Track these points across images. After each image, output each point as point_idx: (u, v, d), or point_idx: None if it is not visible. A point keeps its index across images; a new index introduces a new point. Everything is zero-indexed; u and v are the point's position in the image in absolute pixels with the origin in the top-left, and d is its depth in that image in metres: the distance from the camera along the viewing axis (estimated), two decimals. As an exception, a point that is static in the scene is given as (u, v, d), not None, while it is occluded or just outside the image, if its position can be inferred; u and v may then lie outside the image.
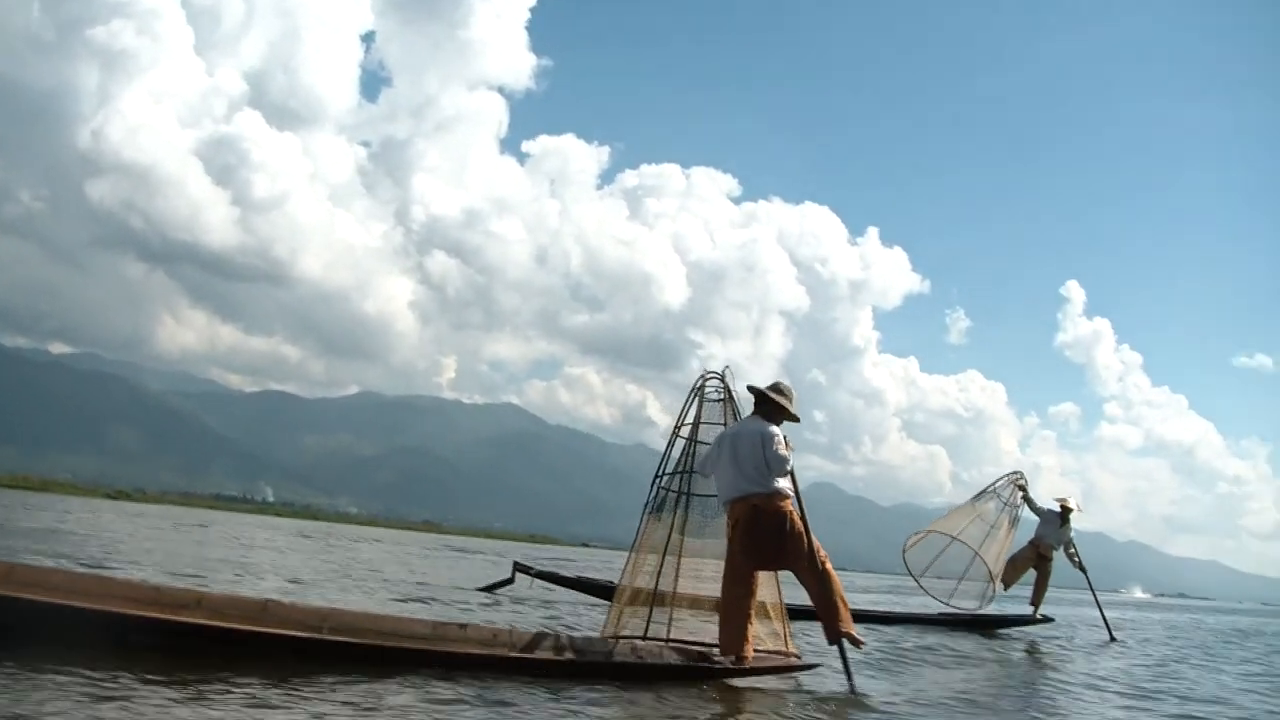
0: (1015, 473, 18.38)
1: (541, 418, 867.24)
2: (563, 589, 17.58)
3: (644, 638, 8.98)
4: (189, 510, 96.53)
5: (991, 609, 17.85)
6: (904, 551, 18.12)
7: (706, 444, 9.23)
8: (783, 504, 8.38)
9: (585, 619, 13.10)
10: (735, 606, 8.37)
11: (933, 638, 14.55)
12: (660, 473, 9.47)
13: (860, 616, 15.28)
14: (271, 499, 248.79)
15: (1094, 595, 18.93)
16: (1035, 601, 18.06)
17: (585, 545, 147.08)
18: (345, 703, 6.01)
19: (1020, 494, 17.97)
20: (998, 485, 18.16)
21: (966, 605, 17.87)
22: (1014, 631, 17.48)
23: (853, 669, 8.36)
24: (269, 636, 6.91)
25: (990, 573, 17.25)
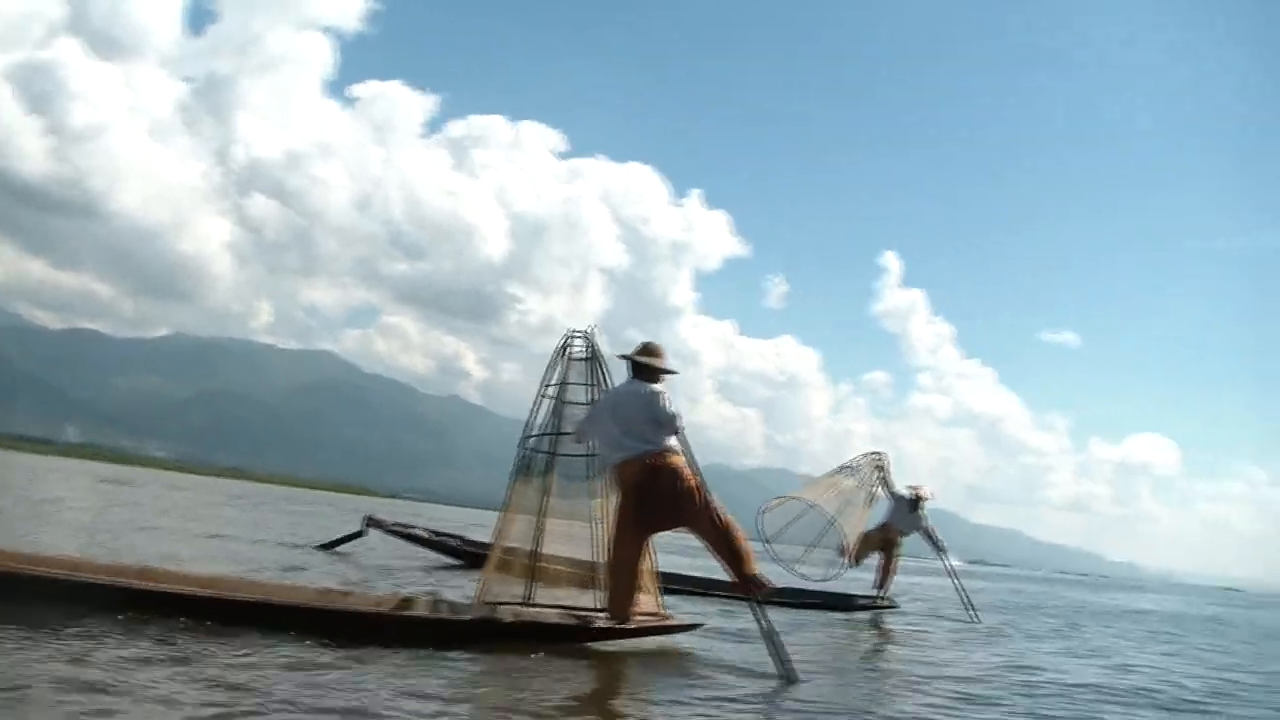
0: (876, 453, 18.06)
1: (357, 366, 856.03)
2: (416, 547, 17.41)
3: (525, 603, 8.76)
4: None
5: (835, 587, 17.54)
6: (761, 514, 17.37)
7: (576, 404, 9.12)
8: (675, 460, 8.14)
9: (444, 580, 13.16)
10: (624, 569, 8.19)
11: (780, 615, 13.75)
12: (527, 434, 9.20)
13: (713, 585, 15.29)
14: (76, 440, 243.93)
15: (954, 576, 18.44)
16: (881, 584, 17.92)
17: (395, 497, 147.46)
18: (228, 665, 5.75)
19: (879, 474, 17.66)
20: (857, 462, 17.87)
21: (813, 574, 17.59)
22: (863, 615, 16.97)
23: (783, 654, 7.79)
24: (164, 595, 6.82)
25: (845, 544, 16.90)
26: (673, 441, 8.19)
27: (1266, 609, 50.11)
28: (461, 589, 11.73)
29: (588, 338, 9.19)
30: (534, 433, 9.18)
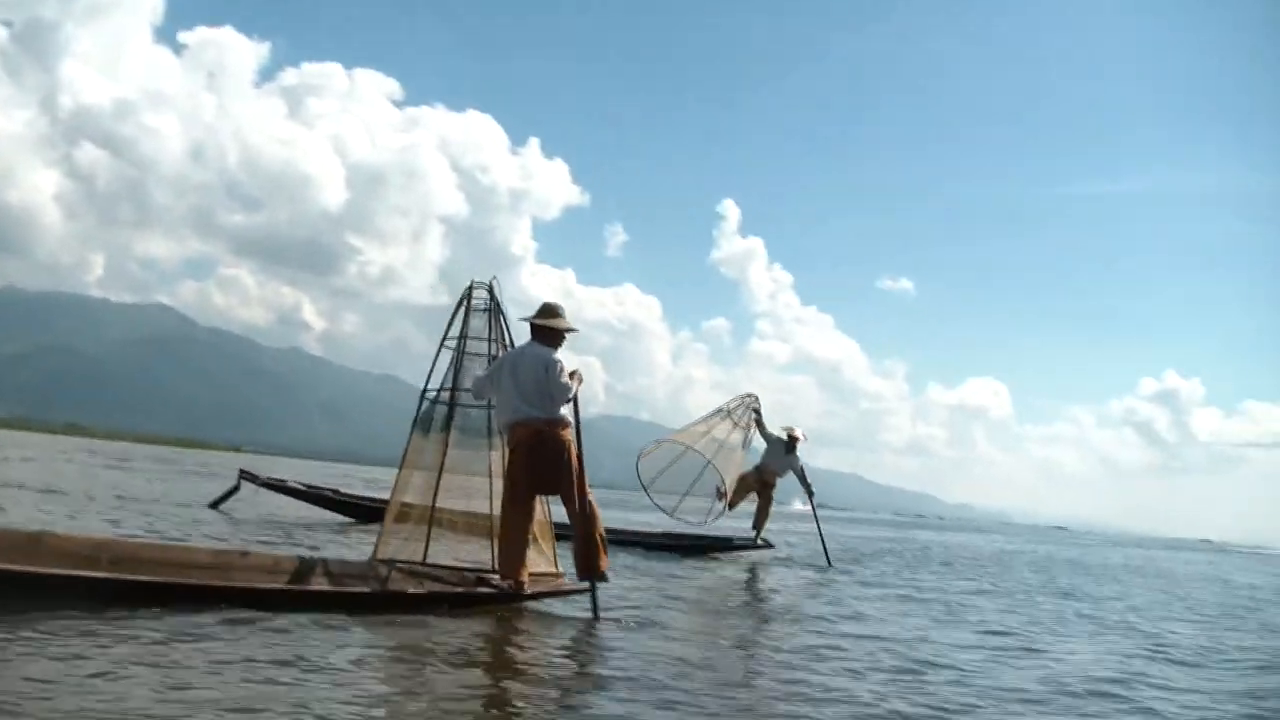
0: (749, 395, 18.24)
1: (193, 319, 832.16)
2: (290, 499, 17.48)
3: (422, 563, 8.79)
4: None
5: (713, 529, 18.09)
6: (639, 459, 17.79)
7: (477, 355, 9.15)
8: (564, 432, 8.36)
9: (322, 532, 13.33)
10: (515, 530, 8.33)
11: (660, 562, 14.77)
12: (426, 386, 9.13)
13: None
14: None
15: (816, 521, 18.57)
16: (757, 526, 18.16)
17: (238, 450, 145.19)
18: (130, 637, 5.61)
19: (754, 416, 17.85)
20: (731, 405, 18.00)
21: (692, 519, 18.00)
22: (738, 556, 17.59)
23: (599, 600, 8.18)
24: (51, 578, 6.36)
25: (721, 487, 17.26)
26: (565, 411, 8.38)
27: (1094, 547, 52.58)
28: (341, 542, 12.01)
29: (490, 290, 9.16)
30: (433, 386, 9.11)
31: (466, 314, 9.22)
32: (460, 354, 9.20)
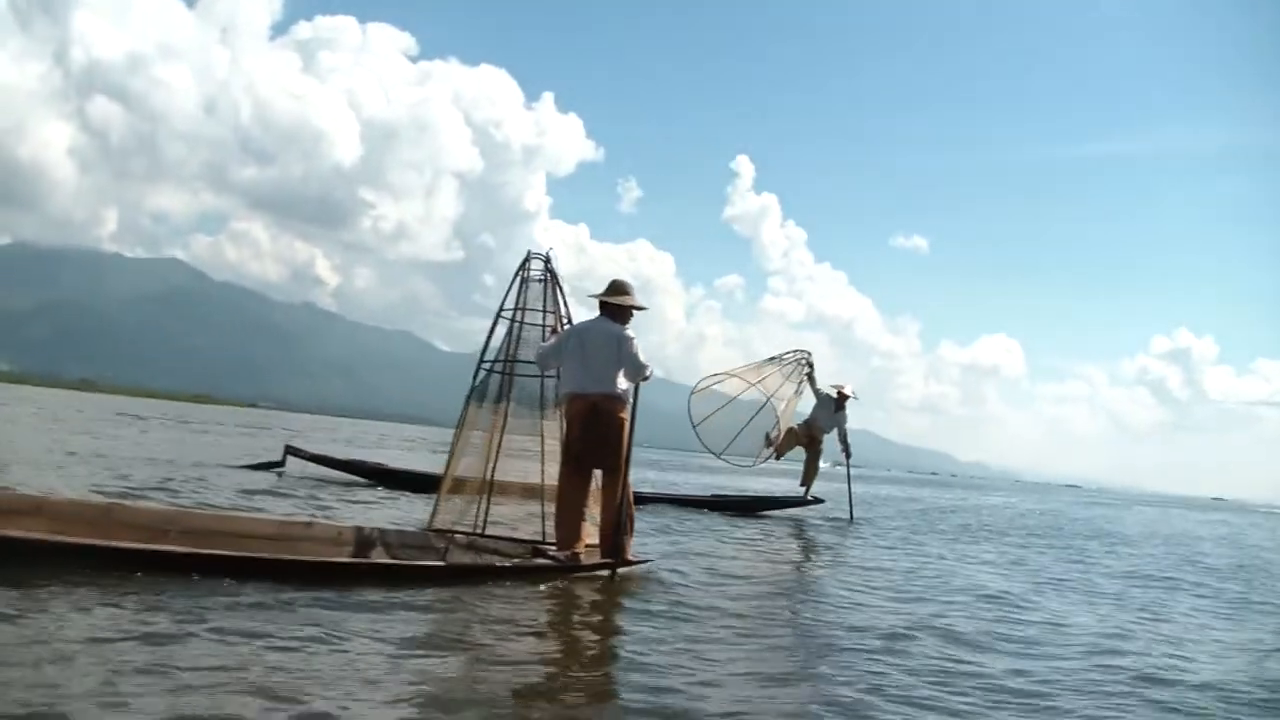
0: (802, 351, 18.22)
1: (206, 274, 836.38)
2: (336, 471, 17.24)
3: (479, 533, 8.88)
4: None
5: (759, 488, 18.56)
6: (691, 396, 17.96)
7: (533, 326, 9.16)
8: (620, 411, 8.43)
9: (369, 504, 13.19)
10: (571, 501, 8.41)
11: (705, 519, 14.94)
12: (484, 357, 9.15)
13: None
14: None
15: (848, 480, 18.79)
16: (806, 483, 18.31)
17: (252, 405, 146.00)
18: (189, 611, 5.58)
19: (808, 370, 17.93)
20: (784, 356, 18.10)
21: (743, 463, 18.40)
22: (784, 513, 17.89)
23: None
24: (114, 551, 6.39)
25: (773, 433, 17.58)
26: (625, 388, 8.43)
27: (1109, 507, 52.56)
28: (384, 511, 12.11)
29: (546, 260, 9.19)
30: (491, 356, 9.14)
31: (524, 284, 9.21)
32: (518, 324, 9.19)
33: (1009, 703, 5.39)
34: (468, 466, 8.97)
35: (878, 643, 6.60)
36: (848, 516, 17.99)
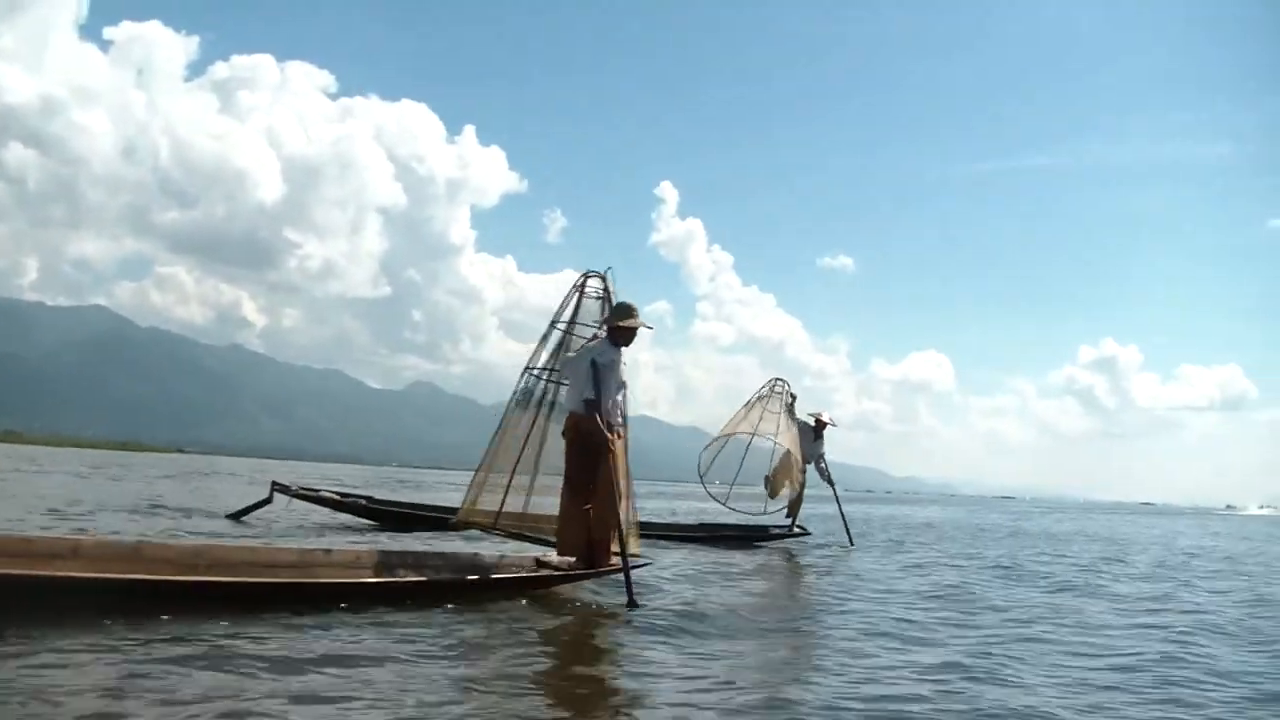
0: (780, 380, 18.06)
1: (131, 319, 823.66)
2: (323, 509, 17.37)
3: (494, 524, 9.57)
4: None
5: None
6: (702, 452, 18.22)
7: (582, 337, 9.40)
8: (611, 436, 8.75)
9: (358, 541, 13.03)
10: (574, 518, 8.78)
11: (702, 554, 14.78)
12: (531, 364, 9.56)
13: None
14: None
15: (839, 504, 19.06)
16: (793, 513, 18.30)
17: (181, 451, 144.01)
18: (224, 640, 5.82)
19: (790, 401, 17.83)
20: (763, 393, 18.04)
21: (748, 507, 18.38)
22: (773, 544, 17.86)
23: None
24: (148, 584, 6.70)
25: (793, 471, 17.47)
26: (617, 419, 8.92)
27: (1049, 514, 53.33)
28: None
29: (604, 279, 9.60)
30: (541, 364, 9.61)
31: (580, 300, 9.70)
32: (568, 335, 9.65)
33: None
34: (500, 468, 9.58)
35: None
36: (846, 542, 18.25)
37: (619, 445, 8.85)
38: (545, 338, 9.64)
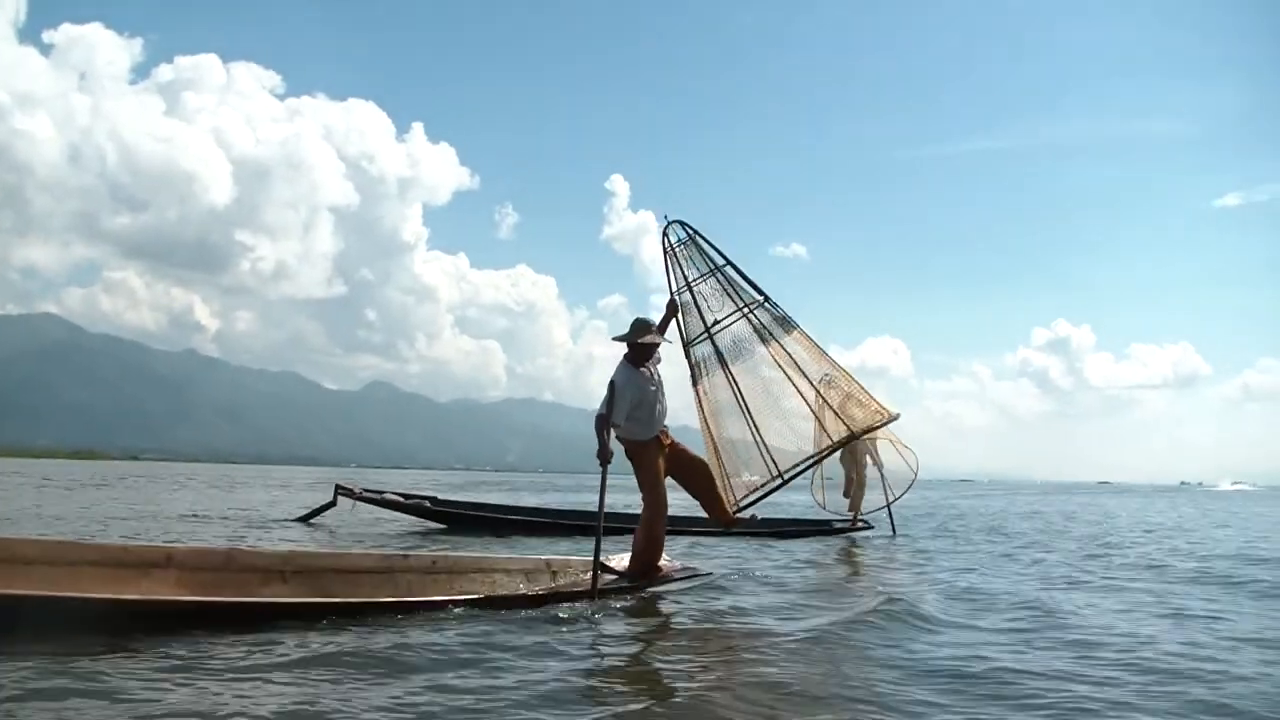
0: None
1: (82, 327, 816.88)
2: (386, 511, 17.44)
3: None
4: None
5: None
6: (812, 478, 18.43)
7: (702, 285, 9.66)
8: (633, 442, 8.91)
9: (425, 543, 13.27)
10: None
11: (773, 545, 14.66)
12: (686, 341, 9.68)
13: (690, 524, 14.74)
14: None
15: (886, 496, 18.86)
16: (854, 506, 18.49)
17: (135, 459, 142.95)
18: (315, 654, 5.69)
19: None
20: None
21: (838, 513, 18.75)
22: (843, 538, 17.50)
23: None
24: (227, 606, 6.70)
25: (851, 474, 18.03)
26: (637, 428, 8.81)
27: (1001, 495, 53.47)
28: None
29: (681, 223, 9.79)
30: (691, 337, 9.72)
31: (677, 261, 9.87)
32: (696, 293, 9.84)
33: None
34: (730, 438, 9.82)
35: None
36: (890, 532, 18.22)
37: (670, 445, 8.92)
38: (683, 309, 9.61)
